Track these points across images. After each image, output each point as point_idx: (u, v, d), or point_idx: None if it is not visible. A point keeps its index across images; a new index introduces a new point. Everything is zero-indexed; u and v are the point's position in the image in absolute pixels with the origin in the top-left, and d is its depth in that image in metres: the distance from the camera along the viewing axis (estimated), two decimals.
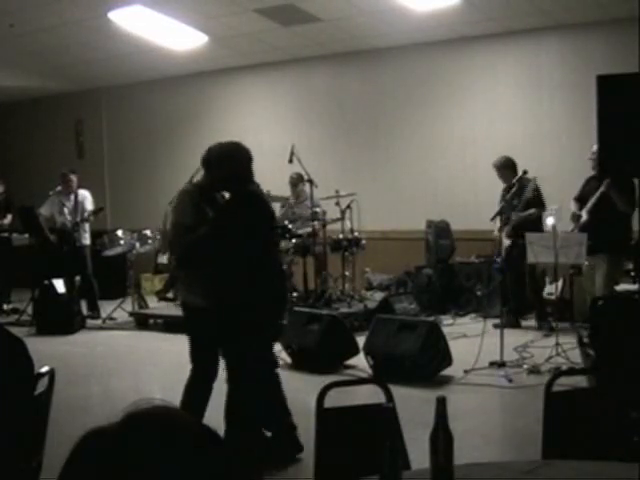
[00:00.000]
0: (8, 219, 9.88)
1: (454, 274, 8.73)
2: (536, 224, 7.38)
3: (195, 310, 4.05)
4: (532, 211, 7.43)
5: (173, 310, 8.78)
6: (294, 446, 4.12)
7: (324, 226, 8.31)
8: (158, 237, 9.18)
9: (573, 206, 6.88)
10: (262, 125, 10.69)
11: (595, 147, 6.57)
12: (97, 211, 9.04)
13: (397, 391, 2.59)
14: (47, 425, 2.74)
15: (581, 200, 6.82)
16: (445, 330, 6.46)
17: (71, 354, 7.24)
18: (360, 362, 6.21)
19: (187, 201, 4.02)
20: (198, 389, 4.08)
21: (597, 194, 6.58)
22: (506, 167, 7.69)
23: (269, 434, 4.21)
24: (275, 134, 10.45)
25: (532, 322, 8.18)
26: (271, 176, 9.34)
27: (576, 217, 6.75)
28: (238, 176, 3.99)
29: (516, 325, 7.77)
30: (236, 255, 3.90)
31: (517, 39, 9.01)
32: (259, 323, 3.99)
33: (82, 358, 7.21)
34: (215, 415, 3.85)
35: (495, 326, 7.56)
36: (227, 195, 4.12)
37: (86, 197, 9.18)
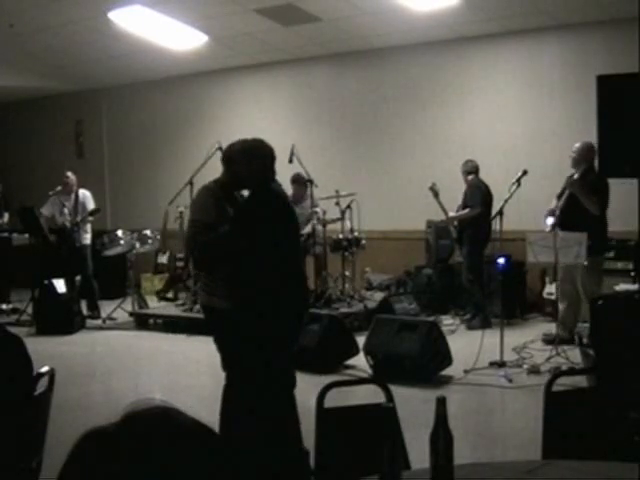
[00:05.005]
0: (6, 217, 9.87)
1: (454, 274, 8.72)
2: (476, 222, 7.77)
3: (218, 313, 3.78)
4: (465, 211, 7.98)
5: (173, 310, 8.80)
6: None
7: (324, 226, 8.31)
8: (158, 237, 9.18)
9: (554, 203, 6.76)
10: (262, 125, 10.66)
11: (577, 145, 6.61)
12: (94, 212, 9.02)
13: (397, 391, 2.59)
14: (47, 425, 2.74)
15: (561, 197, 6.70)
16: (445, 330, 6.46)
17: (71, 354, 7.24)
18: (360, 362, 6.21)
19: (208, 198, 3.77)
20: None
21: (566, 194, 6.52)
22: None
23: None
24: (275, 134, 10.39)
25: (533, 321, 8.19)
26: None
27: (551, 212, 6.69)
28: (259, 174, 3.80)
29: (480, 327, 7.22)
30: (257, 256, 3.72)
31: (517, 39, 9.00)
32: (278, 330, 3.76)
33: (82, 358, 7.21)
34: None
35: (469, 327, 7.68)
36: (246, 193, 3.87)
37: (87, 196, 9.18)
